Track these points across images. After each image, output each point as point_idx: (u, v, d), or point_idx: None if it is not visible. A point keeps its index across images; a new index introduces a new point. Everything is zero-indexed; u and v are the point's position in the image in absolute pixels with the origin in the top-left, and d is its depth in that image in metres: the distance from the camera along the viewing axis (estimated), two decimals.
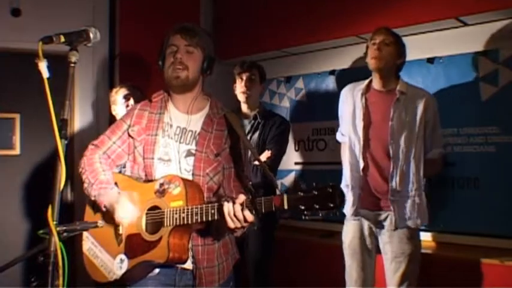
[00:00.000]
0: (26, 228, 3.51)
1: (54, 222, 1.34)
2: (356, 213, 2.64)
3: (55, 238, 1.32)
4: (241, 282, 3.04)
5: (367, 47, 2.67)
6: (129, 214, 1.79)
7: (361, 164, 2.62)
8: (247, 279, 3.10)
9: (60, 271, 1.32)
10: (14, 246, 3.47)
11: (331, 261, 2.85)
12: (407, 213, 2.54)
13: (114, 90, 3.18)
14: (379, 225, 2.62)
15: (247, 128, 3.14)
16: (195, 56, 1.90)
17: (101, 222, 1.80)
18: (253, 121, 3.16)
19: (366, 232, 2.66)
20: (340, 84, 2.82)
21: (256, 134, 3.13)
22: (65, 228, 1.48)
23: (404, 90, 2.60)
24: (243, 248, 3.09)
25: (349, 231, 2.70)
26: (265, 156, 3.01)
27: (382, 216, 2.59)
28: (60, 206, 1.36)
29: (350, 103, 2.72)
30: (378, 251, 2.69)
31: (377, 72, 2.62)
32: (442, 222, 3.06)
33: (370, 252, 2.68)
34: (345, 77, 2.79)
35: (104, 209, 1.84)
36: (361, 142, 2.62)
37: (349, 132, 2.70)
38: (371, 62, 2.61)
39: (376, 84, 2.66)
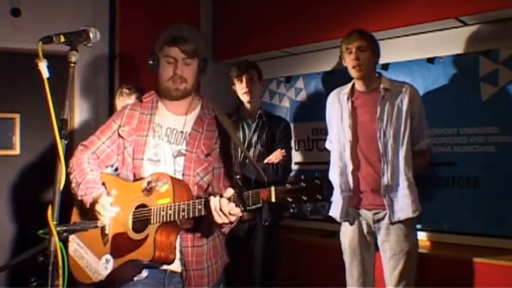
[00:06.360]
0: (26, 228, 3.51)
1: (54, 222, 1.34)
2: (345, 216, 2.66)
3: (55, 238, 1.33)
4: (249, 281, 3.04)
5: (342, 52, 2.71)
6: (111, 210, 1.76)
7: (350, 167, 2.64)
8: (254, 278, 3.09)
9: (60, 271, 1.32)
10: (13, 246, 3.47)
11: (332, 261, 2.85)
12: (400, 206, 2.56)
13: (125, 92, 3.11)
14: (377, 223, 2.63)
15: (253, 126, 3.17)
16: (193, 67, 1.92)
17: (100, 222, 1.78)
18: (258, 120, 3.18)
19: (365, 231, 2.68)
20: (341, 84, 2.83)
21: (264, 132, 3.15)
22: (65, 228, 1.48)
23: (388, 86, 2.65)
24: (249, 247, 3.10)
25: (349, 231, 2.71)
26: (280, 154, 3.05)
27: (381, 215, 2.60)
28: (60, 206, 1.36)
29: (337, 108, 2.76)
30: (377, 249, 2.70)
31: (359, 79, 2.67)
32: (442, 222, 3.06)
33: (369, 251, 2.71)
34: (345, 77, 2.79)
35: (88, 207, 1.82)
36: (350, 143, 2.65)
37: (338, 136, 2.72)
38: (352, 72, 2.67)
39: (360, 86, 2.72)
